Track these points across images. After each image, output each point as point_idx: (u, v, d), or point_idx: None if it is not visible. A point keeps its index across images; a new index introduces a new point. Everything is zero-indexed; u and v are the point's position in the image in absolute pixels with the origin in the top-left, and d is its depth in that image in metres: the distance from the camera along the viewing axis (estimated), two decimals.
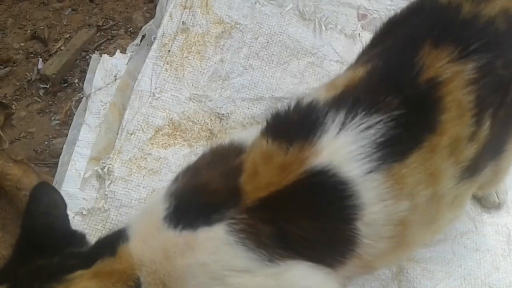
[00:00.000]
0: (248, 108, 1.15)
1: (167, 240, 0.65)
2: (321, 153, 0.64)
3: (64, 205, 0.74)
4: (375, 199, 0.64)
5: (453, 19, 0.69)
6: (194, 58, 1.15)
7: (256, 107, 1.16)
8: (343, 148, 0.64)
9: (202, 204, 0.65)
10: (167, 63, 1.13)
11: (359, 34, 1.26)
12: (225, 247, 0.63)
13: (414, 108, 0.64)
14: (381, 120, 0.64)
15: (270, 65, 1.20)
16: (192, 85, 1.13)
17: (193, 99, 1.12)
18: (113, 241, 0.68)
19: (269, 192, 0.64)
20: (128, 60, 1.19)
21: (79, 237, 0.72)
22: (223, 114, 1.14)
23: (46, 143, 1.25)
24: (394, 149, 0.64)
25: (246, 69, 1.18)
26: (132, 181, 1.03)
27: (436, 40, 0.66)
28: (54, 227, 0.71)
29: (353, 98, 0.66)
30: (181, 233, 0.64)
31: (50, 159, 1.21)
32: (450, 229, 0.99)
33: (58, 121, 1.29)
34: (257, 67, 1.19)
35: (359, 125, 0.64)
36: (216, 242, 0.63)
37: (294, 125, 0.68)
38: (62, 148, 1.16)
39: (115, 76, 1.17)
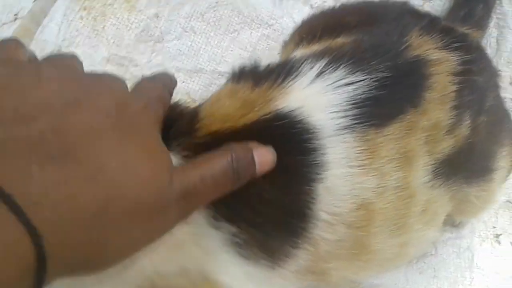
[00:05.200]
0: (184, 82, 0.92)
1: None
2: (291, 96, 0.55)
3: None
4: (342, 160, 0.55)
5: (436, 21, 0.69)
6: (121, 7, 0.90)
7: (194, 81, 0.93)
8: (316, 96, 0.56)
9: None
10: (84, 9, 0.87)
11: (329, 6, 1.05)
12: None
13: (400, 76, 0.58)
14: (364, 79, 0.56)
15: (216, 31, 0.97)
16: (114, 42, 0.88)
17: (113, 60, 0.87)
18: None
19: (223, 128, 0.55)
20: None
21: None
22: None
23: None
24: (373, 112, 0.55)
25: (186, 31, 0.94)
26: None
27: (423, 30, 0.63)
28: None
29: (335, 54, 0.58)
30: None
31: None
32: None
33: None
34: (200, 32, 0.96)
35: (339, 79, 0.56)
36: None
37: (264, 70, 0.60)
38: None
39: (15, 15, 0.89)
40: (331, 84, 0.56)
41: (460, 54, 0.63)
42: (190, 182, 0.44)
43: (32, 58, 0.41)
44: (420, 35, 0.62)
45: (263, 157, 0.51)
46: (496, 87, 0.72)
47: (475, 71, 0.64)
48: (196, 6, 0.96)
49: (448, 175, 0.62)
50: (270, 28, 1.01)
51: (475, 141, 0.63)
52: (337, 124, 0.54)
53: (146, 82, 0.54)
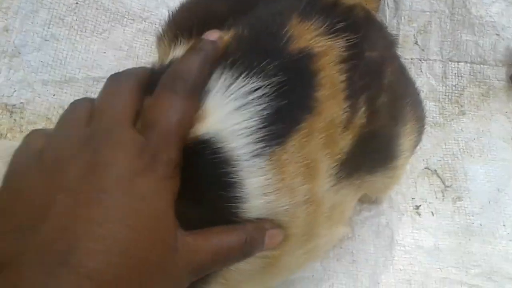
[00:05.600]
0: (54, 95, 0.82)
1: None
2: (208, 116, 0.47)
3: None
4: (258, 190, 0.48)
5: (316, 1, 0.59)
6: None
7: (66, 92, 0.82)
8: (229, 117, 0.47)
9: None
10: None
11: None
12: None
13: (292, 78, 0.50)
14: (262, 86, 0.47)
15: (82, 34, 0.87)
16: None
17: None
18: None
19: None
20: None
21: None
22: (15, 105, 0.79)
23: None
24: (276, 127, 0.48)
25: (46, 40, 0.84)
26: None
27: (302, 15, 0.55)
28: None
29: (231, 59, 0.49)
30: None
31: None
32: None
33: None
34: (64, 38, 0.85)
35: (241, 87, 0.48)
36: None
37: (154, 77, 0.50)
38: None
39: None
40: (238, 95, 0.47)
41: (346, 36, 0.55)
42: (201, 261, 0.44)
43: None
44: (300, 21, 0.54)
45: (273, 238, 0.49)
46: (393, 58, 0.64)
47: (366, 48, 0.57)
48: (53, 11, 0.86)
49: (350, 173, 0.55)
50: (145, 22, 0.92)
51: (375, 128, 0.56)
52: (250, 150, 0.47)
53: (161, 103, 0.45)
